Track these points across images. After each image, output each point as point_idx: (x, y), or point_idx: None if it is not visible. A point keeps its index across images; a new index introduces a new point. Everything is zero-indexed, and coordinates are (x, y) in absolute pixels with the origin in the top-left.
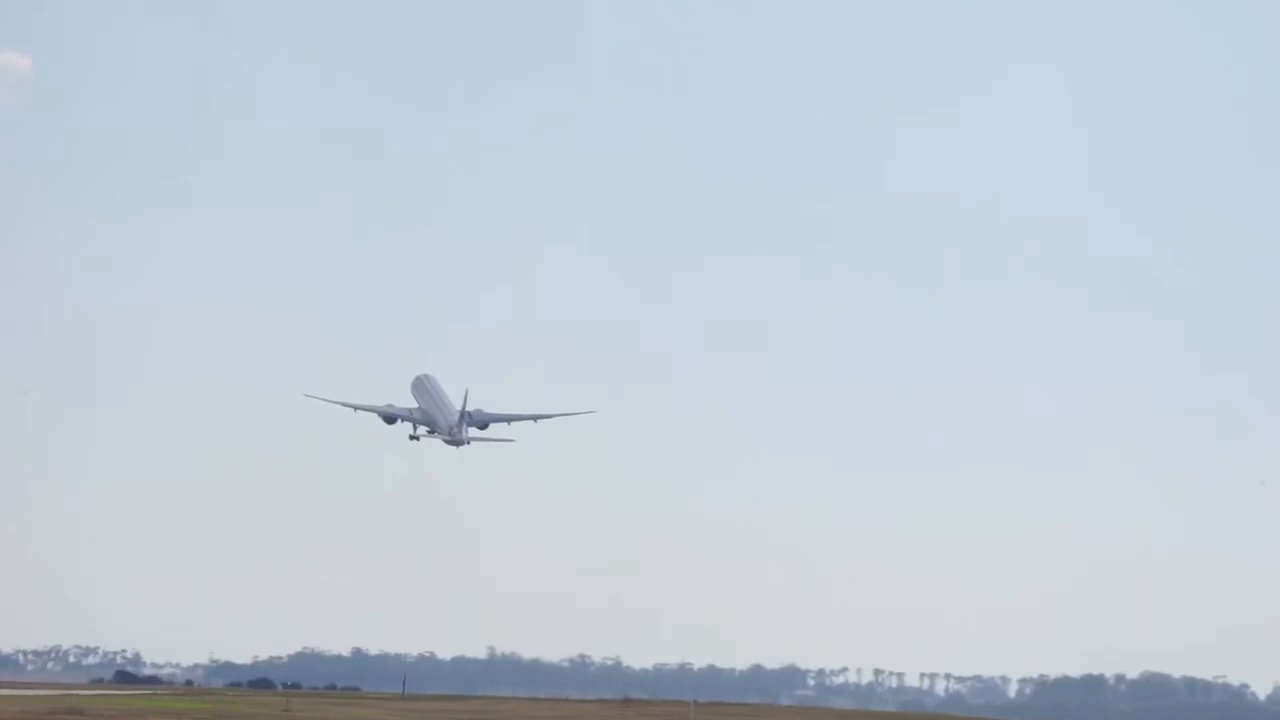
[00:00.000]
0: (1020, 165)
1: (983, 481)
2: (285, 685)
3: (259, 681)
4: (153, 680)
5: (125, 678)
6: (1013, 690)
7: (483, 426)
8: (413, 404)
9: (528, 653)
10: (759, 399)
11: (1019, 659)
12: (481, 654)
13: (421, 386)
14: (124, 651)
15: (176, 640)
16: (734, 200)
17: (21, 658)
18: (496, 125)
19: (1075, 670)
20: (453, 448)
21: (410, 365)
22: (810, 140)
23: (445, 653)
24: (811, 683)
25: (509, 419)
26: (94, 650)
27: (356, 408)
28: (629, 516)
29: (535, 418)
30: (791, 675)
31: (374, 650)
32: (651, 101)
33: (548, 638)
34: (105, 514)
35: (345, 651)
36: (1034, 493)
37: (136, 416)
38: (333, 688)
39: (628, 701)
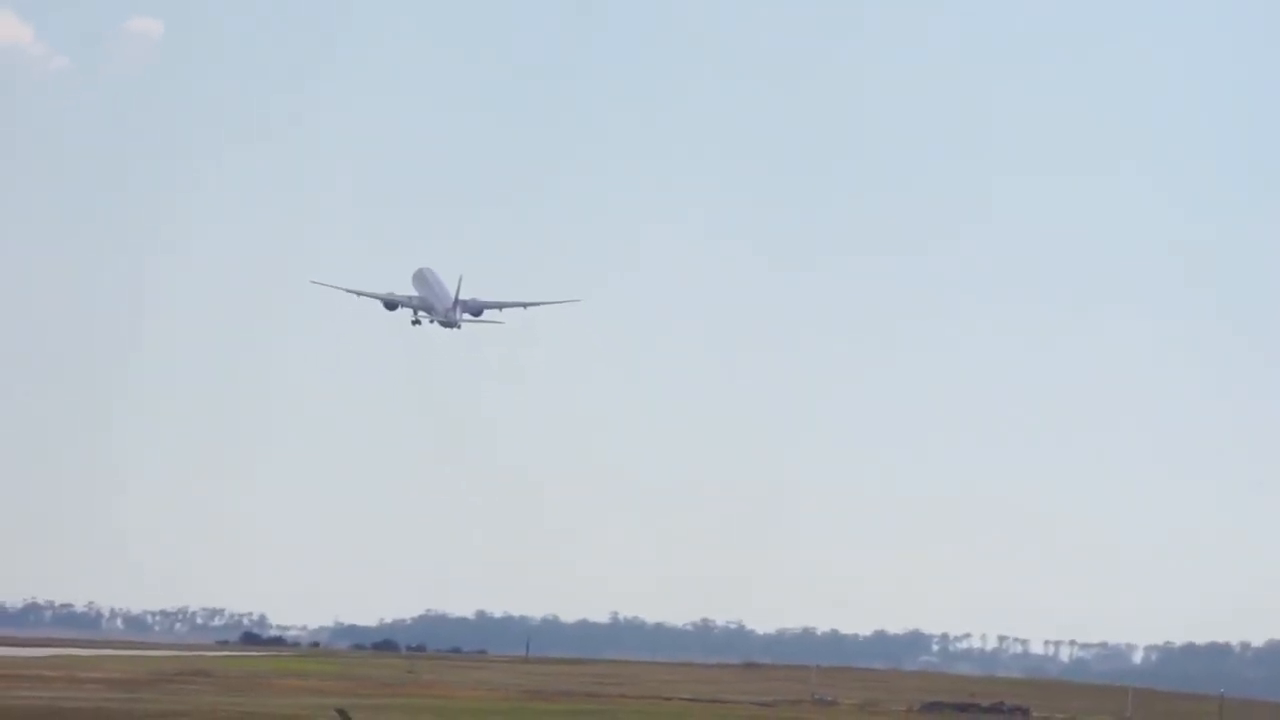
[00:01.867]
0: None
1: (1111, 455)
2: (410, 648)
3: (384, 644)
4: (278, 642)
5: (251, 639)
6: (1138, 657)
7: (476, 313)
8: (413, 292)
9: (651, 617)
10: (886, 372)
11: (1144, 626)
12: (604, 618)
13: (421, 277)
14: (250, 614)
15: (302, 602)
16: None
17: (150, 619)
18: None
19: (1201, 638)
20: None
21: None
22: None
23: (569, 616)
24: (935, 648)
25: (500, 305)
26: (220, 612)
27: (359, 294)
28: (755, 485)
29: (525, 305)
30: (915, 641)
31: (498, 613)
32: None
33: (671, 601)
34: (231, 476)
35: (469, 614)
36: (1163, 466)
37: (262, 382)
38: (457, 650)
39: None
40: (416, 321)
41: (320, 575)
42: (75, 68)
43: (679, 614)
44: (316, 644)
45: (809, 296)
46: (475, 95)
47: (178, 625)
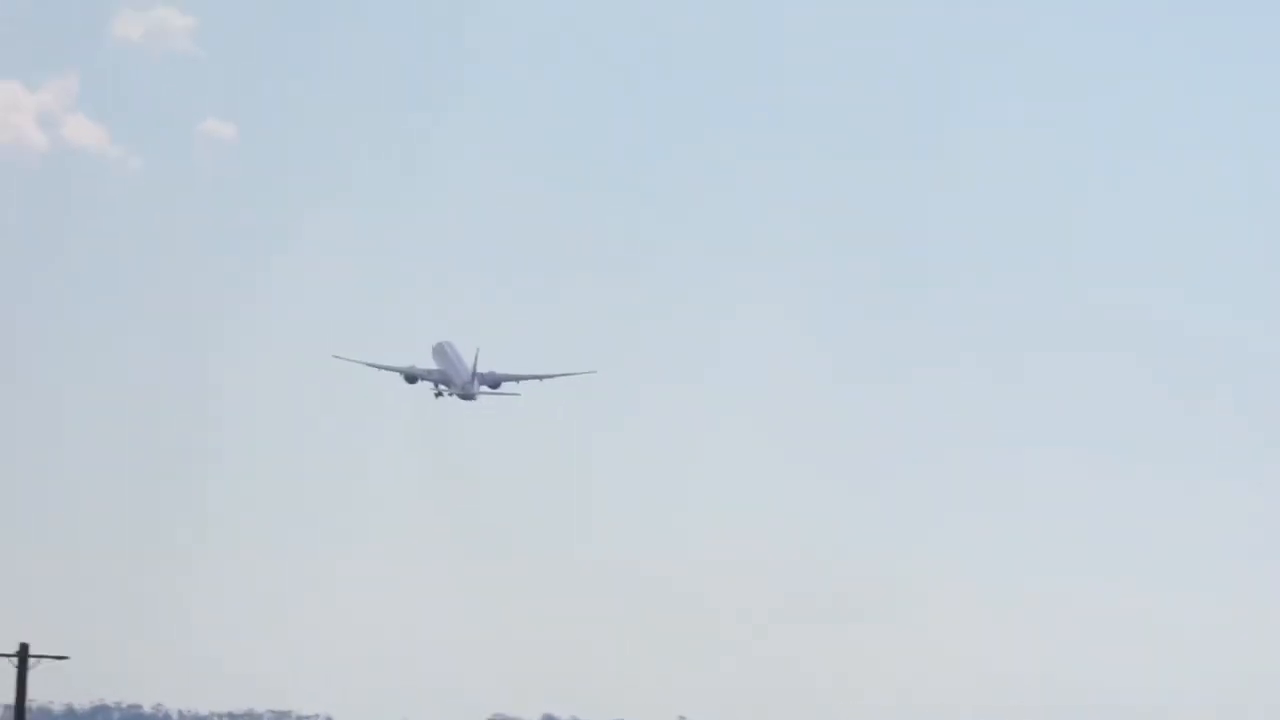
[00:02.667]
0: None
1: None
2: None
3: None
4: None
5: None
6: None
7: (494, 385)
8: (433, 365)
9: None
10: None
11: None
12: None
13: (441, 350)
14: (317, 716)
15: (370, 704)
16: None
17: None
18: None
19: None
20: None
21: None
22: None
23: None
24: None
25: (517, 378)
26: (287, 715)
27: (381, 368)
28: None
29: (541, 377)
30: None
31: (565, 715)
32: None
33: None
34: (298, 576)
35: (536, 716)
36: None
37: (327, 475)
38: None
39: None
40: (439, 394)
41: (388, 676)
42: (149, 169)
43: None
44: None
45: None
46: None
47: None
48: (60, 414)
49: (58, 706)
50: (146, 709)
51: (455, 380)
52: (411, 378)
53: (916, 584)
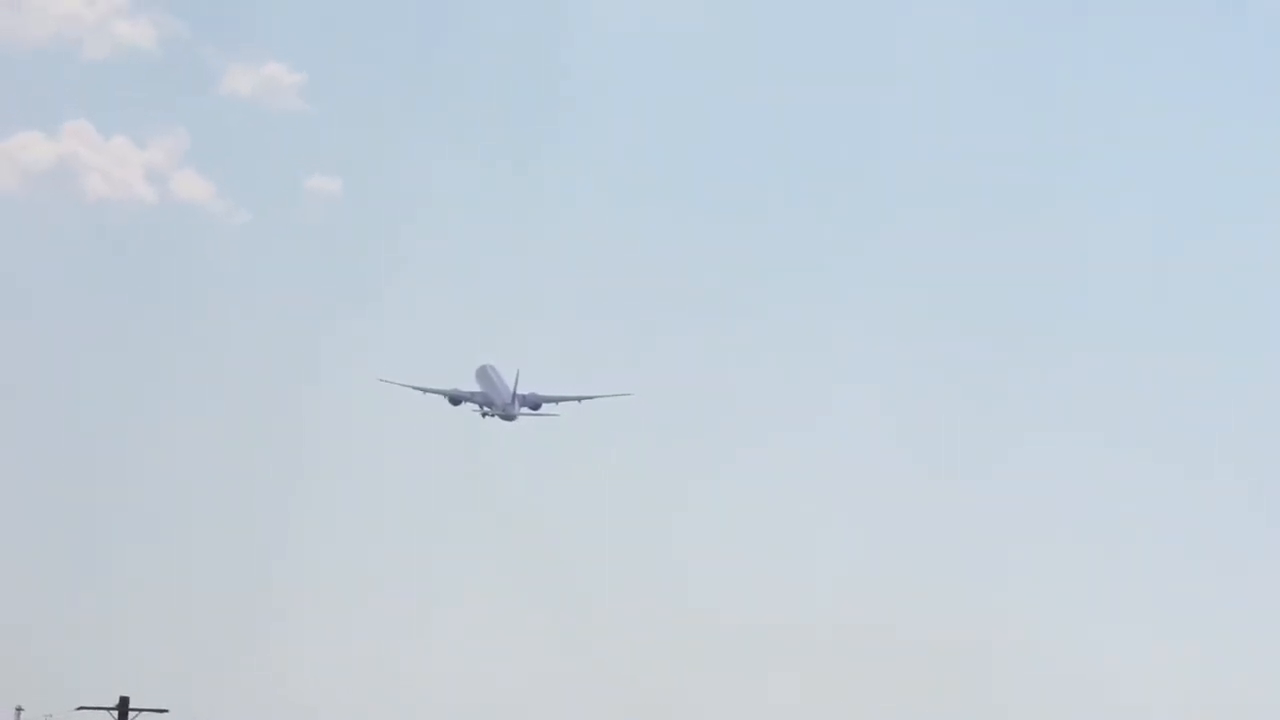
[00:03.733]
0: None
1: None
2: None
3: None
4: None
5: None
6: None
7: (535, 407)
8: (475, 388)
9: None
10: None
11: None
12: None
13: (483, 373)
14: None
15: None
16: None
17: None
18: None
19: None
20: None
21: None
22: None
23: None
24: None
25: (556, 399)
26: None
27: (425, 390)
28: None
29: (579, 399)
30: None
31: None
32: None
33: None
34: (396, 625)
35: None
36: None
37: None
38: None
39: None
40: (486, 414)
41: None
42: (255, 224)
43: None
44: None
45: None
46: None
47: None
48: (162, 464)
49: None
50: None
51: (497, 401)
52: (456, 400)
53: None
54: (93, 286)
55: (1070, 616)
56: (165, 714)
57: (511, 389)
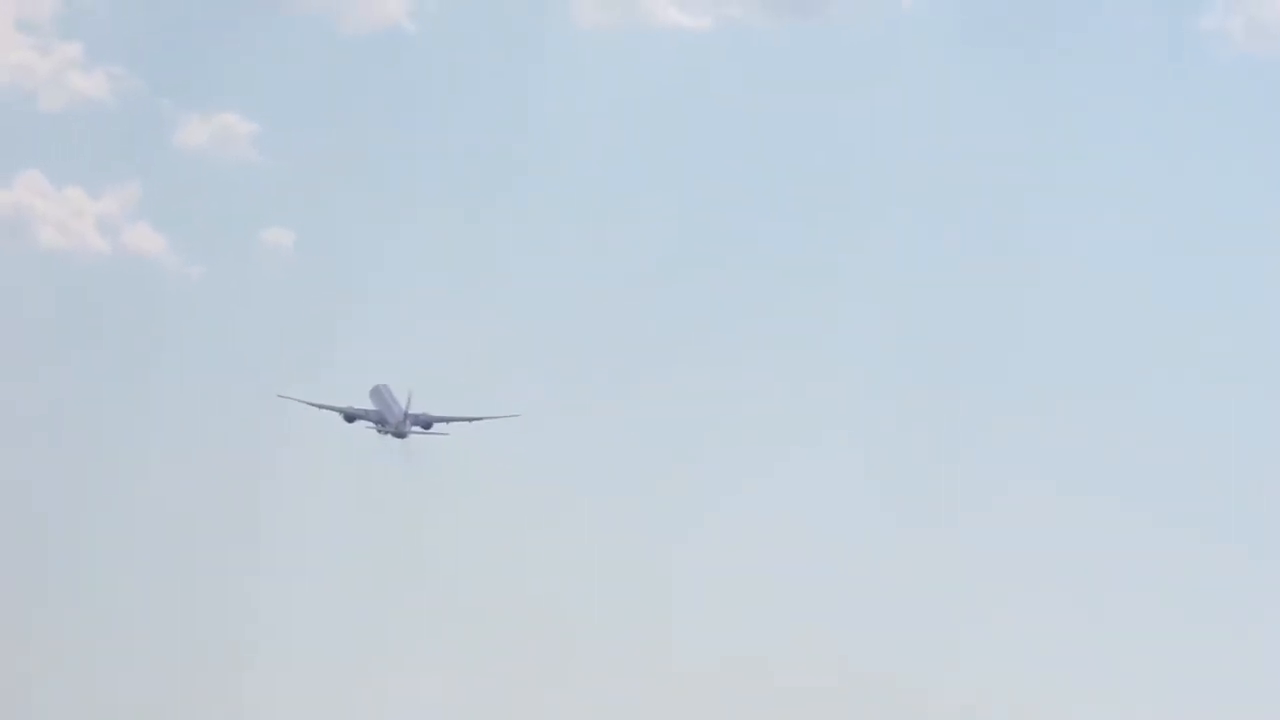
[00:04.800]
0: None
1: None
2: None
3: None
4: None
5: None
6: None
7: (426, 426)
8: (370, 406)
9: None
10: None
11: None
12: None
13: (377, 392)
14: None
15: None
16: None
17: None
18: None
19: None
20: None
21: None
22: None
23: None
24: None
25: (447, 419)
26: None
27: (320, 407)
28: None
29: (470, 419)
30: None
31: None
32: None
33: None
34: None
35: None
36: None
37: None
38: None
39: None
40: (383, 432)
41: None
42: (210, 275)
43: None
44: None
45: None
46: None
47: None
48: (109, 517)
49: None
50: None
51: (389, 420)
52: (350, 417)
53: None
54: (44, 338)
55: (1051, 671)
56: None
57: (404, 408)
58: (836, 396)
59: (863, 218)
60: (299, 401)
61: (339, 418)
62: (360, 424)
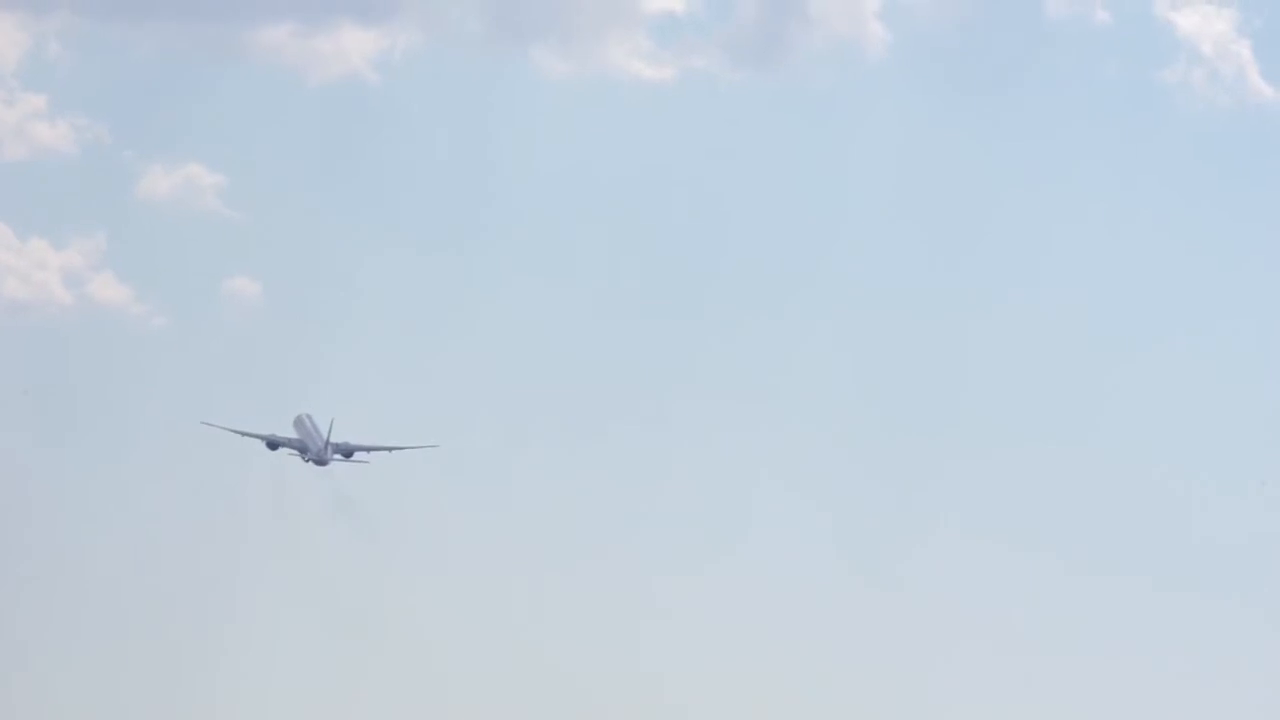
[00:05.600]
0: None
1: None
2: None
3: None
4: None
5: None
6: None
7: (347, 454)
8: (292, 434)
9: None
10: None
11: None
12: None
13: (300, 421)
14: None
15: None
16: None
17: None
18: None
19: None
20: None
21: None
22: None
23: None
24: None
25: (368, 449)
26: None
27: (243, 434)
28: None
29: (390, 449)
30: None
31: None
32: None
33: None
34: None
35: None
36: None
37: None
38: None
39: None
40: (305, 459)
41: None
42: (175, 326)
43: None
44: None
45: None
46: None
47: None
48: (66, 566)
49: None
50: None
51: (311, 448)
52: (273, 445)
53: None
54: (7, 389)
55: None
56: None
57: (325, 437)
58: (794, 440)
59: (826, 267)
60: (223, 429)
61: (262, 445)
62: (283, 451)
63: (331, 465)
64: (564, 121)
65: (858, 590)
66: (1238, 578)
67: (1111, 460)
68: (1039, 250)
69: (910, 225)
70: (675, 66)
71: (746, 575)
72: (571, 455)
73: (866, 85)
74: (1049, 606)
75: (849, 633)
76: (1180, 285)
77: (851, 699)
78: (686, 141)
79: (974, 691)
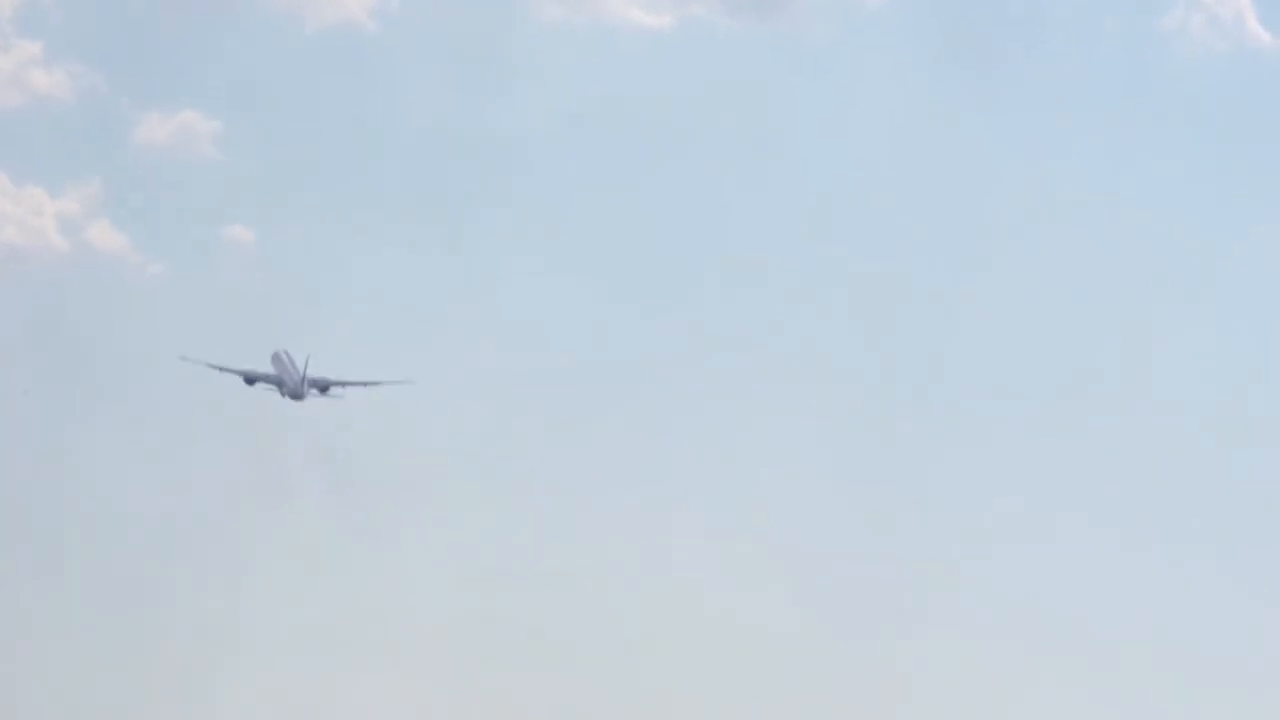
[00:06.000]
0: None
1: None
2: None
3: None
4: None
5: None
6: None
7: (324, 389)
8: (270, 370)
9: None
10: None
11: None
12: None
13: (277, 357)
14: None
15: None
16: None
17: None
18: None
19: None
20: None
21: None
22: None
23: None
24: None
25: (343, 384)
26: None
27: (222, 369)
28: None
29: (365, 384)
30: None
31: None
32: None
33: None
34: None
35: None
36: None
37: None
38: None
39: None
40: (283, 394)
41: None
42: (171, 273)
43: None
44: None
45: None
46: None
47: None
48: (65, 516)
49: None
50: None
51: (287, 383)
52: (251, 380)
53: None
54: (4, 336)
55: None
56: None
57: (301, 372)
58: (805, 401)
59: (826, 219)
60: (201, 364)
61: (240, 380)
62: (260, 386)
63: (308, 400)
64: (562, 68)
65: (860, 585)
66: (1236, 573)
67: (1119, 431)
68: (1038, 198)
69: (908, 173)
70: (673, 14)
71: (746, 573)
72: (556, 390)
73: (864, 34)
74: (1060, 594)
75: (849, 633)
76: (1179, 232)
77: (851, 695)
78: (684, 89)
79: (982, 664)
